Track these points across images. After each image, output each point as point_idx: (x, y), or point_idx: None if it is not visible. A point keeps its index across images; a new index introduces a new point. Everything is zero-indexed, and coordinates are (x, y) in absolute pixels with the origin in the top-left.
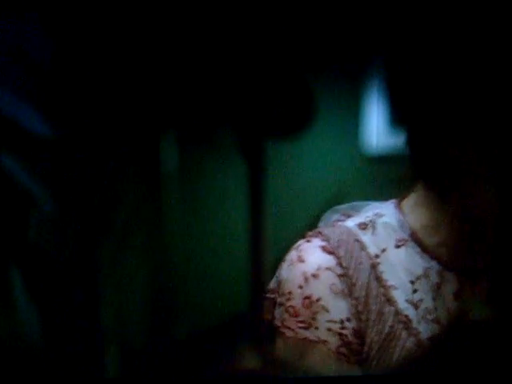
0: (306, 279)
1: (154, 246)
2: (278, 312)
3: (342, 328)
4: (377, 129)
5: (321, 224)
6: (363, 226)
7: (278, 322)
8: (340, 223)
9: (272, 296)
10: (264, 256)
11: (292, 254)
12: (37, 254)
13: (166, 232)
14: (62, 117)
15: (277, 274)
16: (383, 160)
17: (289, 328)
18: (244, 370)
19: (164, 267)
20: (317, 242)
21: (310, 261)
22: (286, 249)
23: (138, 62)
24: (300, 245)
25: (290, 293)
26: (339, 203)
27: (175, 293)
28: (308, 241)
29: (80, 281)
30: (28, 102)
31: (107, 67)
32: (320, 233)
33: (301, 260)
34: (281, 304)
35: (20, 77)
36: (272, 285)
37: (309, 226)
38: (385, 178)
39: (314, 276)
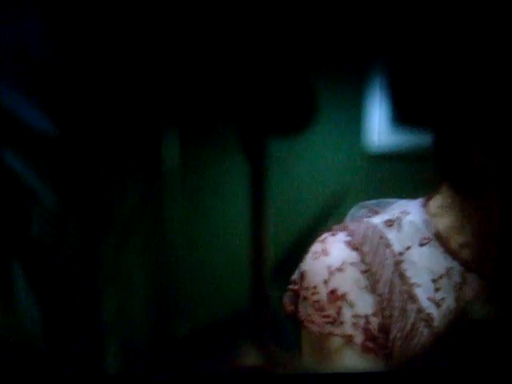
0: (331, 273)
1: (155, 243)
2: (302, 306)
3: (367, 323)
4: (379, 127)
5: (347, 219)
6: (389, 223)
7: (302, 317)
8: (366, 219)
9: (295, 287)
10: (265, 253)
11: (316, 246)
12: (39, 250)
13: (167, 229)
14: (64, 114)
15: (300, 266)
16: (385, 158)
17: (314, 322)
18: (245, 367)
19: (165, 264)
20: (342, 237)
21: (334, 255)
22: (287, 246)
23: (140, 61)
24: (325, 238)
25: (314, 287)
26: (340, 201)
27: (176, 289)
28: (333, 234)
29: (81, 277)
30: (31, 99)
31: (110, 66)
32: (346, 227)
33: (325, 253)
34: (305, 298)
35: (22, 74)
36: (294, 276)
37: (315, 222)
38: (386, 176)
39: (339, 270)
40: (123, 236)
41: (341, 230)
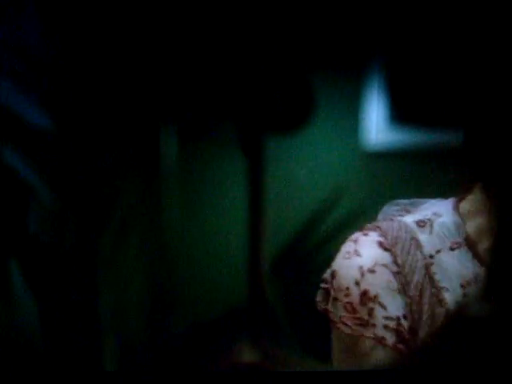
0: (363, 274)
1: (152, 241)
2: (333, 306)
3: (399, 325)
4: (376, 125)
5: (379, 216)
6: (421, 224)
7: (333, 317)
8: (399, 218)
9: (326, 286)
10: (262, 251)
11: (348, 246)
12: (37, 247)
13: (165, 227)
14: (62, 111)
15: (331, 264)
16: (382, 156)
17: (346, 324)
18: (242, 364)
19: (162, 262)
20: (374, 237)
21: (366, 255)
22: (285, 244)
23: (139, 59)
24: (357, 238)
25: (347, 288)
26: (338, 199)
27: (173, 287)
28: (365, 234)
29: (79, 274)
30: (29, 96)
31: (109, 63)
32: (378, 227)
33: (357, 254)
34: (337, 299)
35: (21, 71)
36: (326, 275)
37: (313, 219)
38: (384, 174)
39: (371, 271)
40: (121, 234)
41: (373, 230)
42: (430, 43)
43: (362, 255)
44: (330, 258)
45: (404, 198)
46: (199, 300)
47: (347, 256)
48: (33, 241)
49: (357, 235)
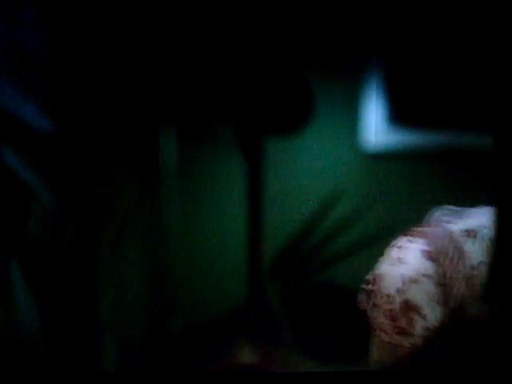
0: (406, 284)
1: (152, 239)
2: (373, 311)
3: None
4: (375, 126)
5: (427, 220)
6: (467, 234)
7: (374, 323)
8: (445, 225)
9: (367, 288)
10: (261, 251)
11: (393, 252)
12: (36, 246)
13: (165, 226)
14: (62, 111)
15: (375, 267)
16: (381, 157)
17: (385, 332)
18: (240, 364)
19: (162, 261)
20: (419, 245)
21: (410, 264)
22: (283, 244)
23: (138, 59)
24: (402, 244)
25: (388, 296)
26: (337, 199)
27: (172, 287)
28: (411, 241)
29: (79, 273)
30: (29, 96)
31: (108, 63)
32: (424, 234)
33: (401, 261)
34: (378, 305)
35: (20, 71)
36: (369, 277)
37: (312, 220)
38: (383, 175)
39: (414, 281)
40: (120, 233)
41: (419, 237)
42: (429, 44)
43: (405, 263)
44: (330, 259)
45: (403, 199)
46: (199, 300)
47: (391, 263)
48: (32, 241)
49: (402, 241)
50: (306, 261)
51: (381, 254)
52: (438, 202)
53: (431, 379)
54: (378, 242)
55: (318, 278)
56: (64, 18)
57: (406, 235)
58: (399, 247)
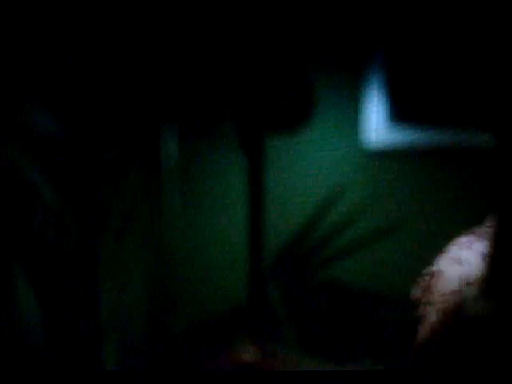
0: (462, 285)
1: (152, 239)
2: (426, 307)
3: None
4: (376, 124)
5: (488, 221)
6: None
7: (423, 319)
8: None
9: (424, 283)
10: (262, 249)
11: (453, 252)
12: (38, 246)
13: (165, 226)
14: (64, 112)
15: (434, 262)
16: (382, 155)
17: (433, 329)
18: (242, 363)
19: (162, 261)
20: (479, 247)
21: (468, 266)
22: (285, 242)
23: (140, 58)
24: (463, 245)
25: (443, 295)
26: (338, 198)
27: (173, 286)
28: (471, 242)
29: (80, 273)
30: (33, 97)
31: (110, 63)
32: (484, 235)
33: (460, 263)
34: (430, 303)
35: (22, 72)
36: (426, 271)
37: (313, 218)
38: (383, 172)
39: (470, 284)
40: (121, 233)
41: (479, 239)
42: (429, 42)
43: (464, 265)
44: (330, 257)
45: (404, 197)
46: (199, 299)
47: (450, 263)
48: (34, 238)
49: (463, 242)
50: (307, 259)
51: (381, 252)
52: (439, 200)
53: (431, 379)
54: (378, 240)
55: (319, 277)
56: (65, 18)
57: (467, 234)
58: (459, 248)
